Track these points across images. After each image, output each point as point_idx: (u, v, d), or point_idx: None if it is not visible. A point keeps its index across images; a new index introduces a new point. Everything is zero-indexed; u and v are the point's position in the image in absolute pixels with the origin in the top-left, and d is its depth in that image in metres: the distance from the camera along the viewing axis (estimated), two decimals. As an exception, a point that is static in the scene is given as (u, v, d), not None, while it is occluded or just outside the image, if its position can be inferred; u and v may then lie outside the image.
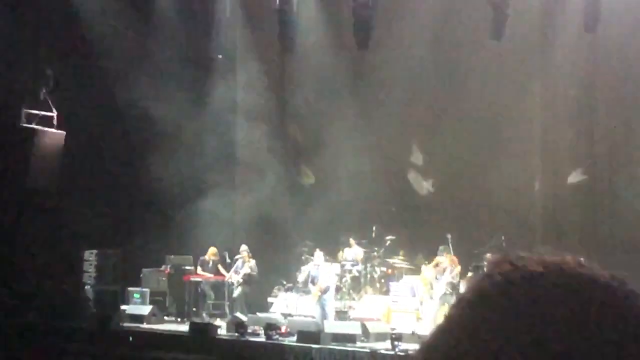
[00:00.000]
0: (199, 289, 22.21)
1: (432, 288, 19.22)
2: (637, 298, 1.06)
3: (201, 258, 22.37)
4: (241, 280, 21.45)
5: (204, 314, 21.68)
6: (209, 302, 22.13)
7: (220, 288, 22.17)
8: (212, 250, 22.32)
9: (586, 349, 1.00)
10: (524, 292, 1.04)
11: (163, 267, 22.80)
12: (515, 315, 1.02)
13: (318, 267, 19.75)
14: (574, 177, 21.59)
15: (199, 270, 22.32)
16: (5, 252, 22.10)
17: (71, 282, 22.41)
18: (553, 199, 21.91)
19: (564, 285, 1.04)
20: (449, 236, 19.53)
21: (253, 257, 21.63)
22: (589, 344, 1.00)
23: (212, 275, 22.20)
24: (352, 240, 21.73)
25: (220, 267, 22.26)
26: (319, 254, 20.14)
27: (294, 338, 18.06)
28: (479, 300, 1.06)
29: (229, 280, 21.75)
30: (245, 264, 21.54)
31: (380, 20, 22.59)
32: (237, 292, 21.46)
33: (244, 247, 21.83)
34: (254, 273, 21.54)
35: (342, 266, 21.22)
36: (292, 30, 23.64)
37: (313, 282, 19.69)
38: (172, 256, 22.92)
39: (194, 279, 22.21)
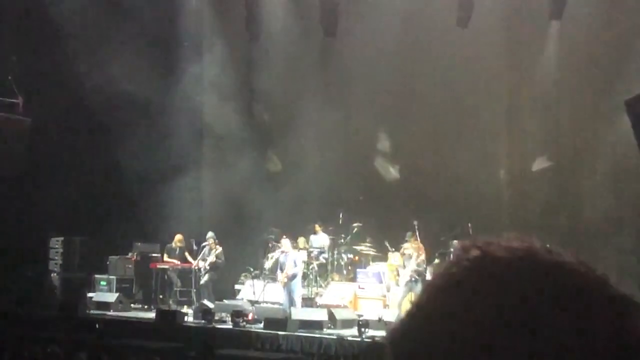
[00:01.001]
0: (166, 276, 22.16)
1: (398, 275, 19.28)
2: (603, 284, 1.08)
3: (168, 245, 22.31)
4: (208, 267, 21.40)
5: (170, 301, 21.62)
6: (175, 289, 22.06)
7: (187, 275, 22.10)
8: (179, 237, 22.25)
9: (551, 331, 1.02)
10: (492, 278, 1.06)
11: (130, 254, 22.70)
12: (484, 300, 1.04)
13: (285, 254, 19.73)
14: (539, 164, 21.73)
15: (166, 257, 22.25)
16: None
17: (37, 269, 22.26)
18: (518, 185, 22.04)
19: (531, 271, 1.06)
20: (416, 223, 19.58)
21: (220, 244, 21.59)
22: (554, 327, 1.02)
23: (178, 263, 22.13)
24: (318, 227, 21.75)
25: (187, 254, 22.20)
26: (286, 241, 20.12)
27: (261, 325, 18.07)
28: (448, 285, 1.08)
29: (196, 268, 21.69)
30: (212, 251, 21.49)
31: (347, 7, 22.61)
32: (204, 279, 21.41)
33: (210, 234, 21.77)
34: (221, 260, 21.50)
35: (309, 253, 21.22)
36: (259, 16, 23.61)
37: (281, 269, 19.69)
38: (139, 243, 22.85)
39: (160, 266, 22.14)
